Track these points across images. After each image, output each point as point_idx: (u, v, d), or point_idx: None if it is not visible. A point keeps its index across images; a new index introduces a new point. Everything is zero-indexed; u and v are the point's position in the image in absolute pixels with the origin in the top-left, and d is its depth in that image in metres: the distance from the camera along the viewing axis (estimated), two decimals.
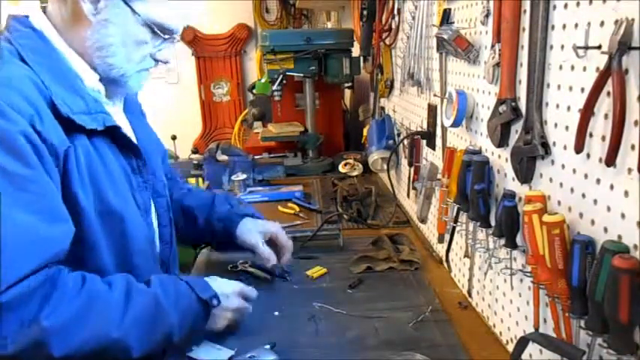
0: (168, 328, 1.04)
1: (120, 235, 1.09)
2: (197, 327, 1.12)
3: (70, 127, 1.00)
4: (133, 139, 1.17)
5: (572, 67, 0.86)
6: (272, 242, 1.49)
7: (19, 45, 1.01)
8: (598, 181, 0.81)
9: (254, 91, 2.88)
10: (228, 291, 1.19)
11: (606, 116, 0.77)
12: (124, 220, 1.09)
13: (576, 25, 0.85)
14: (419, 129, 1.85)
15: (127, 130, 1.19)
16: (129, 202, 1.12)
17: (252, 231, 1.44)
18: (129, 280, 1.04)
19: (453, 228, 1.36)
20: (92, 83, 1.10)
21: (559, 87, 0.91)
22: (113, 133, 1.09)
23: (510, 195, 1.04)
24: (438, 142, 1.62)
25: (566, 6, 0.88)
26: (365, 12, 2.36)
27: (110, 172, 1.08)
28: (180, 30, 1.15)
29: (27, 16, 1.08)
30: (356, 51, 2.73)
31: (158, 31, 1.09)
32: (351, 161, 2.65)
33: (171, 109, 5.52)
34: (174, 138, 3.84)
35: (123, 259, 1.10)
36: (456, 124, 1.33)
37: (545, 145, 0.95)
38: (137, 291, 1.03)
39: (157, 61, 1.15)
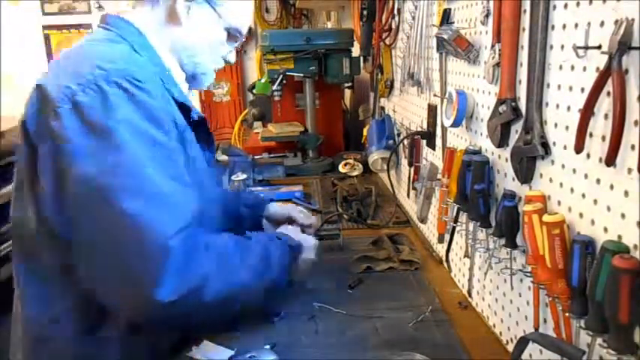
0: (276, 271, 1.16)
1: (205, 218, 1.16)
2: (288, 274, 1.21)
3: (183, 112, 1.11)
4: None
5: (572, 67, 0.86)
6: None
7: (132, 41, 1.10)
8: (598, 181, 0.81)
9: (254, 91, 2.89)
10: (307, 243, 1.33)
11: (606, 116, 0.77)
12: (207, 208, 1.15)
13: (576, 25, 0.85)
14: (419, 129, 1.85)
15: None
16: (209, 193, 1.21)
17: (285, 207, 1.58)
18: (231, 235, 1.15)
19: (453, 228, 1.36)
20: (181, 79, 1.20)
21: (559, 87, 0.91)
22: (200, 125, 1.18)
23: (510, 195, 1.04)
24: (438, 142, 1.62)
25: (566, 6, 0.88)
26: (365, 12, 2.36)
27: (202, 161, 1.19)
28: (246, 32, 1.26)
29: (119, 16, 1.16)
30: (356, 51, 2.73)
31: (233, 34, 1.22)
32: (351, 161, 2.65)
33: None
34: None
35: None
36: (456, 124, 1.33)
37: (545, 145, 0.95)
38: (251, 244, 1.16)
39: (226, 62, 1.27)
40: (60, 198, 0.97)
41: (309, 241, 1.35)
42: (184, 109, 1.13)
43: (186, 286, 0.95)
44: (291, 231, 1.36)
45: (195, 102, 5.85)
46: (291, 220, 1.52)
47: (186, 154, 1.10)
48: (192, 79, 1.24)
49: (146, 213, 0.94)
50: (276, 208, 1.58)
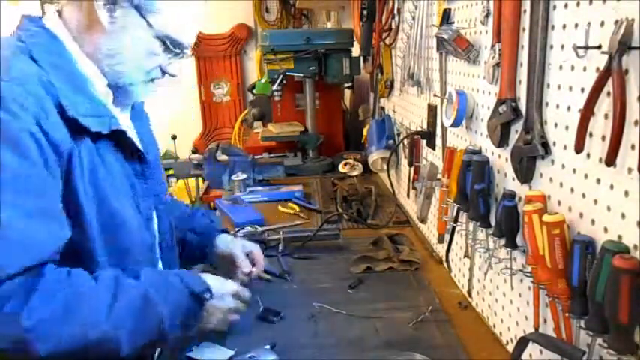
0: (158, 322, 1.02)
1: (120, 240, 1.08)
2: (189, 322, 1.09)
3: (76, 128, 0.99)
4: (138, 144, 1.16)
5: (572, 67, 0.86)
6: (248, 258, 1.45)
7: (31, 44, 1.01)
8: (598, 181, 0.81)
9: (254, 91, 2.89)
10: (222, 289, 1.18)
11: (606, 116, 0.77)
12: (124, 225, 1.08)
13: (576, 25, 0.85)
14: (419, 129, 1.85)
15: (133, 135, 1.18)
16: (131, 208, 1.11)
17: (234, 243, 1.42)
18: (117, 274, 1.01)
19: (453, 228, 1.36)
20: (101, 88, 1.10)
21: (559, 87, 0.91)
22: (119, 138, 1.09)
23: (510, 195, 1.04)
24: (438, 142, 1.62)
25: (566, 6, 0.88)
26: (365, 12, 2.36)
27: (113, 176, 1.07)
28: (190, 45, 1.15)
29: (40, 17, 1.09)
30: (356, 51, 2.73)
31: (170, 45, 1.10)
32: (351, 161, 2.65)
33: (171, 109, 5.52)
34: (174, 138, 3.84)
35: (121, 264, 1.07)
36: (456, 124, 1.33)
37: (545, 145, 0.95)
38: (125, 284, 1.00)
39: (164, 73, 1.15)
40: None
41: (227, 287, 1.19)
42: (81, 125, 1.00)
43: (7, 339, 0.86)
44: (206, 275, 1.18)
45: (195, 102, 5.87)
46: (233, 261, 1.38)
47: (73, 178, 0.98)
48: (120, 91, 1.12)
49: None
50: (222, 244, 1.41)
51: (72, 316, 0.92)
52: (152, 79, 1.15)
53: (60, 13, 1.09)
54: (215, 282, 1.17)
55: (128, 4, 1.04)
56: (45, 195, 0.93)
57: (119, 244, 1.07)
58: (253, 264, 1.40)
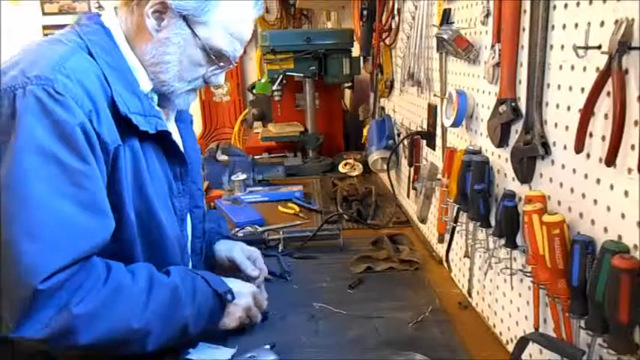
0: (185, 319, 1.06)
1: (156, 237, 1.11)
2: (211, 321, 1.14)
3: (125, 126, 1.02)
4: (181, 146, 1.19)
5: (572, 67, 0.86)
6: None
7: (88, 40, 1.04)
8: (598, 181, 0.81)
9: (254, 91, 2.89)
10: (244, 290, 1.21)
11: (606, 116, 0.77)
12: (161, 224, 1.10)
13: (576, 25, 0.85)
14: (419, 129, 1.85)
15: (176, 137, 1.21)
16: (167, 207, 1.14)
17: (235, 248, 1.40)
18: (150, 269, 1.05)
19: (453, 228, 1.36)
20: (147, 89, 1.11)
21: (559, 87, 0.91)
22: (162, 138, 1.11)
23: (510, 195, 1.04)
24: (438, 142, 1.62)
25: (566, 6, 0.88)
26: (365, 12, 2.37)
27: (153, 175, 1.10)
28: (237, 57, 1.16)
29: (99, 14, 1.11)
30: (356, 51, 2.73)
31: (214, 57, 1.10)
32: (351, 161, 2.65)
33: None
34: None
35: (155, 261, 1.10)
36: (456, 124, 1.33)
37: (545, 145, 0.95)
38: (159, 282, 1.04)
39: (207, 83, 1.17)
40: None
41: (246, 288, 1.22)
42: (131, 123, 1.03)
43: (53, 326, 0.90)
44: (229, 280, 1.22)
45: (195, 102, 5.86)
46: (235, 266, 1.38)
47: (118, 175, 1.02)
48: (162, 97, 1.15)
49: (20, 244, 0.88)
50: (223, 249, 1.40)
51: (113, 309, 0.96)
52: (194, 89, 1.17)
53: (116, 11, 1.11)
54: (236, 283, 1.21)
55: (176, 14, 1.05)
56: (94, 188, 0.97)
57: (155, 239, 1.11)
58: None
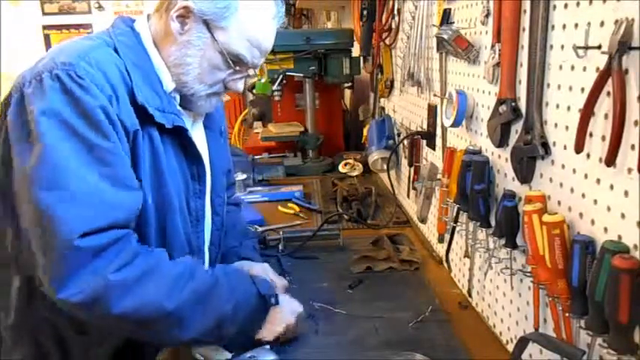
0: (222, 313, 1.06)
1: (168, 230, 1.12)
2: (250, 322, 1.13)
3: (143, 115, 1.06)
4: (200, 147, 1.20)
5: (572, 67, 0.86)
6: None
7: (117, 40, 1.10)
8: (598, 181, 0.81)
9: (254, 91, 2.88)
10: (288, 302, 1.22)
11: (606, 116, 0.77)
12: (174, 216, 1.13)
13: (576, 25, 0.85)
14: (419, 129, 1.85)
15: (198, 138, 1.22)
16: (180, 204, 1.15)
17: (253, 268, 1.33)
18: (194, 262, 1.09)
19: (453, 228, 1.36)
20: (170, 88, 1.14)
21: (559, 87, 0.91)
22: (180, 135, 1.14)
23: (510, 195, 1.04)
24: (438, 142, 1.62)
25: (566, 6, 0.88)
26: (365, 12, 2.37)
27: (170, 169, 1.12)
28: (257, 65, 1.19)
29: (133, 19, 1.17)
30: (356, 51, 2.73)
31: (232, 62, 1.13)
32: (351, 161, 2.65)
33: None
34: None
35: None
36: (456, 124, 1.33)
37: (545, 145, 0.95)
38: (200, 272, 1.08)
39: (227, 88, 1.20)
40: (9, 186, 1.01)
41: (293, 304, 1.22)
42: (148, 113, 1.06)
43: (88, 291, 0.93)
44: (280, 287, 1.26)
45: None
46: None
47: (137, 159, 1.05)
48: (185, 99, 1.18)
49: (57, 207, 0.93)
50: (248, 265, 1.33)
51: (147, 284, 0.98)
52: (216, 93, 1.19)
53: (149, 17, 1.17)
54: (282, 296, 1.22)
55: (198, 18, 1.09)
56: (118, 164, 1.00)
57: (167, 234, 1.13)
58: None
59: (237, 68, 1.16)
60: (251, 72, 1.21)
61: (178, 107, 1.16)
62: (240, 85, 1.20)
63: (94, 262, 0.94)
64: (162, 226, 1.11)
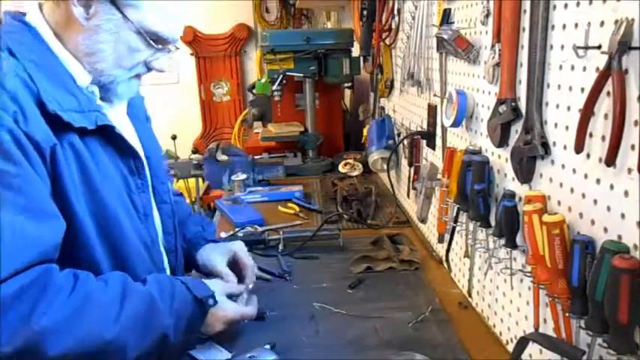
0: (164, 328, 1.02)
1: (115, 236, 1.06)
2: (193, 328, 1.10)
3: (59, 124, 0.96)
4: (131, 140, 1.14)
5: (572, 67, 0.86)
6: (235, 263, 1.37)
7: (10, 39, 0.98)
8: (598, 181, 0.81)
9: (254, 91, 2.89)
10: (227, 291, 1.19)
11: (606, 116, 0.77)
12: (119, 223, 1.06)
13: (576, 25, 0.85)
14: (419, 129, 1.85)
15: (127, 131, 1.16)
16: (124, 204, 1.10)
17: (214, 253, 1.34)
18: (125, 278, 1.01)
19: (453, 228, 1.36)
20: (85, 84, 1.07)
21: (559, 87, 0.91)
22: (107, 133, 1.06)
23: (510, 195, 1.04)
24: (438, 142, 1.62)
25: (566, 6, 0.88)
26: (365, 12, 2.37)
27: (104, 172, 1.05)
28: (177, 39, 1.12)
29: (23, 13, 1.05)
30: (356, 51, 2.73)
31: (151, 41, 1.06)
32: (351, 161, 2.65)
33: (171, 109, 5.52)
34: (174, 138, 3.84)
35: (119, 261, 1.07)
36: (456, 124, 1.33)
37: (545, 145, 0.95)
38: (133, 290, 1.00)
39: (150, 69, 1.12)
40: None
41: (231, 289, 1.20)
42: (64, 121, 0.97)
43: (19, 342, 0.85)
44: (215, 281, 1.21)
45: (195, 102, 5.87)
46: (234, 260, 1.34)
47: (61, 177, 0.96)
48: (103, 88, 1.09)
49: None
50: (204, 257, 1.33)
51: (82, 319, 0.92)
52: (137, 76, 1.12)
53: (41, 8, 1.05)
54: (219, 286, 1.17)
55: None
56: (32, 192, 0.91)
57: (114, 239, 1.06)
58: (241, 275, 1.33)
59: (159, 47, 1.08)
60: (172, 48, 1.12)
61: (99, 102, 1.09)
62: (163, 64, 1.12)
63: (17, 307, 0.85)
64: (109, 239, 1.04)
